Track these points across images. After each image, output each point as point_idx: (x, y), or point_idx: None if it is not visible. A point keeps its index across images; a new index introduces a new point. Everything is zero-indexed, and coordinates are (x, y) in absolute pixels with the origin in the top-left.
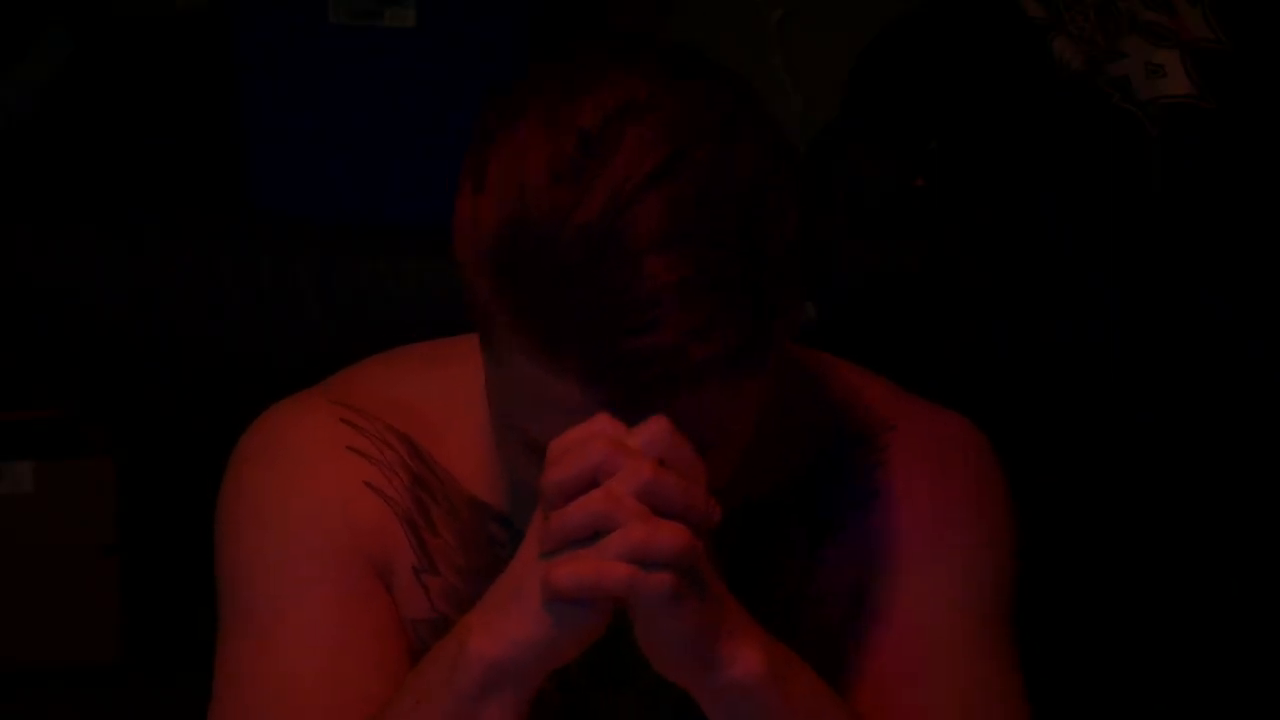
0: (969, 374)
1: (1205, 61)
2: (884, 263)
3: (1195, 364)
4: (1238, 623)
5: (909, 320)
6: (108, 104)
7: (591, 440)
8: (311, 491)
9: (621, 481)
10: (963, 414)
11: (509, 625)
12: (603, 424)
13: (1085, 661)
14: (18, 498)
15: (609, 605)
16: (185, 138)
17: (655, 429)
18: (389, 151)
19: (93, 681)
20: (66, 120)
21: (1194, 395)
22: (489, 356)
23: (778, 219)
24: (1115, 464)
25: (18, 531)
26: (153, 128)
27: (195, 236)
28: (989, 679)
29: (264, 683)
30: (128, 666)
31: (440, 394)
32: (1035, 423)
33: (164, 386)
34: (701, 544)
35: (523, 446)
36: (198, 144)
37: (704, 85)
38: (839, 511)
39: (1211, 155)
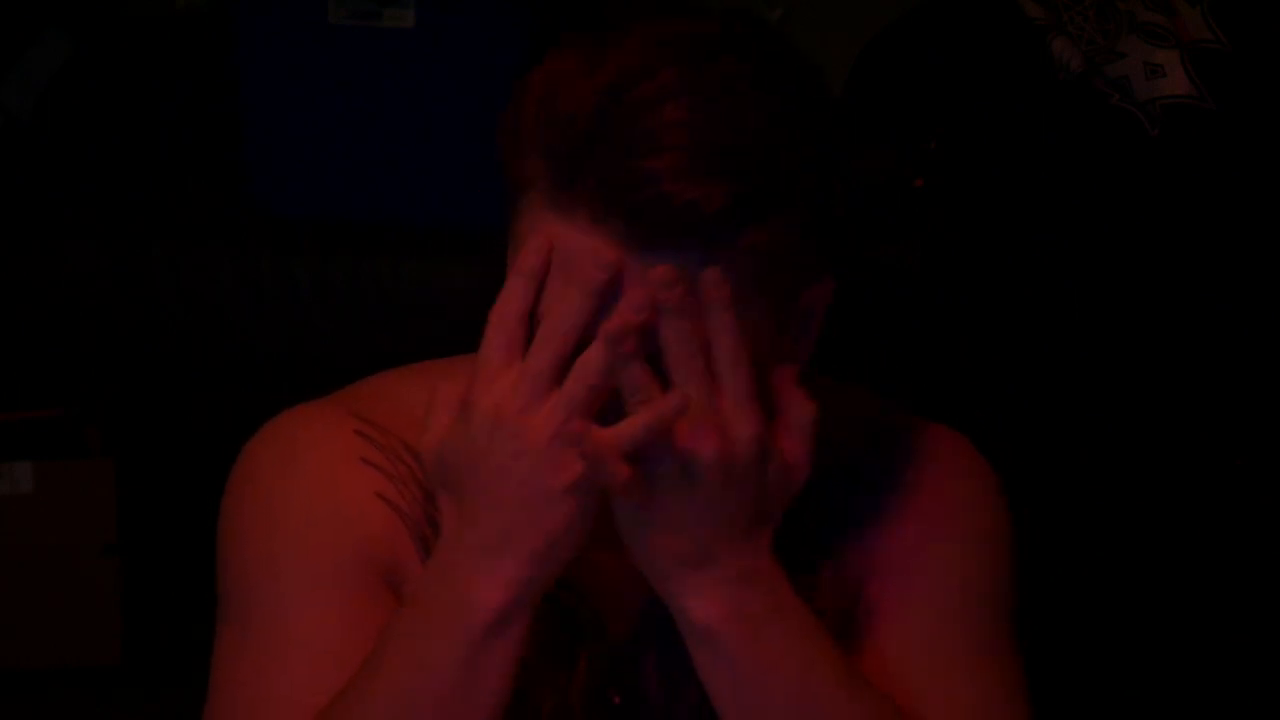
0: (968, 373)
1: (1205, 62)
2: (883, 262)
3: (1196, 363)
4: (1236, 623)
5: (908, 319)
6: (108, 104)
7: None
8: (323, 499)
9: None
10: (964, 411)
11: (507, 567)
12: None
13: (1084, 662)
14: (18, 498)
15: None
16: (185, 138)
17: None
18: (389, 151)
19: (93, 681)
20: (66, 120)
21: (1194, 394)
22: (514, 249)
23: (801, 129)
24: (1114, 462)
25: (18, 531)
26: (153, 128)
27: (195, 236)
28: (991, 686)
29: (266, 689)
30: (128, 666)
31: None
32: (1035, 421)
33: (164, 387)
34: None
35: None
36: (198, 144)
37: (746, 29)
38: (831, 530)
39: (1211, 155)
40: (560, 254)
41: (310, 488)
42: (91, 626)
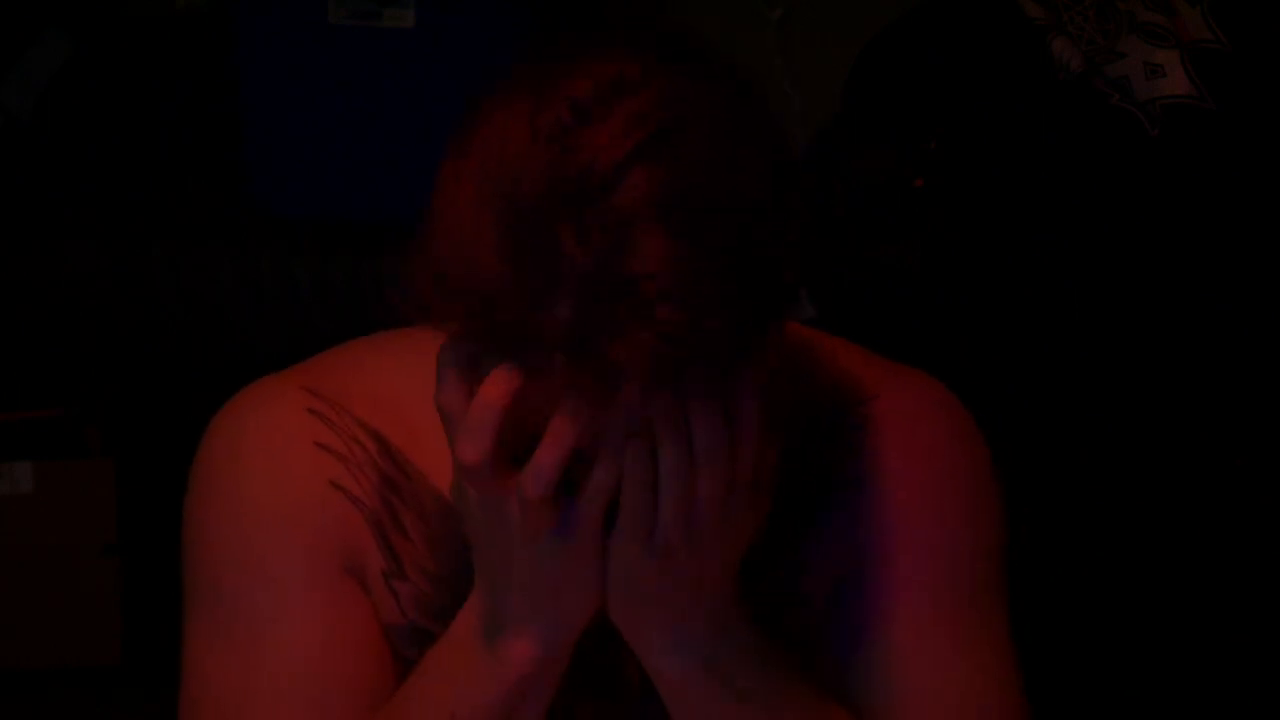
0: (968, 373)
1: (1205, 62)
2: (883, 262)
3: (1196, 363)
4: (1236, 623)
5: (908, 319)
6: (108, 104)
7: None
8: (275, 490)
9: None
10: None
11: (534, 629)
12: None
13: (1083, 661)
14: (18, 498)
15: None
16: (185, 138)
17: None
18: (389, 151)
19: (93, 681)
20: (66, 120)
21: (1194, 394)
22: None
23: (769, 212)
24: (1114, 461)
25: (18, 531)
26: (153, 128)
27: (195, 236)
28: (982, 663)
29: (230, 681)
30: (128, 666)
31: (416, 385)
32: (1035, 421)
33: (164, 386)
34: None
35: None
36: (198, 144)
37: (700, 69)
38: (819, 502)
39: (1211, 155)
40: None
41: (262, 479)
42: (91, 626)
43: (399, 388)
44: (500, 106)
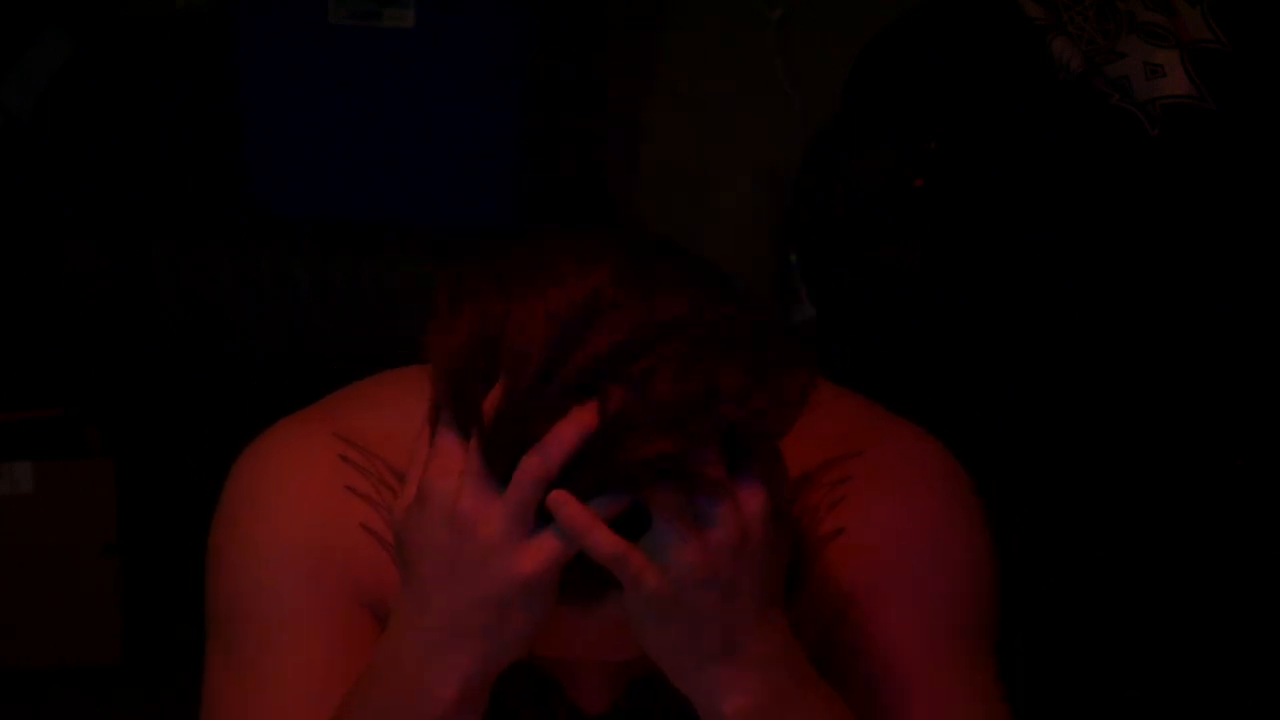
0: (968, 373)
1: (1205, 62)
2: (883, 262)
3: (1196, 363)
4: (1236, 623)
5: (908, 319)
6: (108, 104)
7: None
8: (306, 534)
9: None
10: (964, 411)
11: (462, 661)
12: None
13: (1083, 662)
14: (18, 498)
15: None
16: (185, 138)
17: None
18: (389, 151)
19: (93, 681)
20: (66, 120)
21: (1194, 394)
22: None
23: (736, 400)
24: (1113, 461)
25: (18, 531)
26: (153, 128)
27: (195, 236)
28: (972, 711)
29: None
30: (128, 666)
31: None
32: (1035, 421)
33: (164, 387)
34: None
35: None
36: (198, 144)
37: (667, 280)
38: (804, 555)
39: (1211, 155)
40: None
41: (293, 523)
42: (91, 626)
43: (422, 426)
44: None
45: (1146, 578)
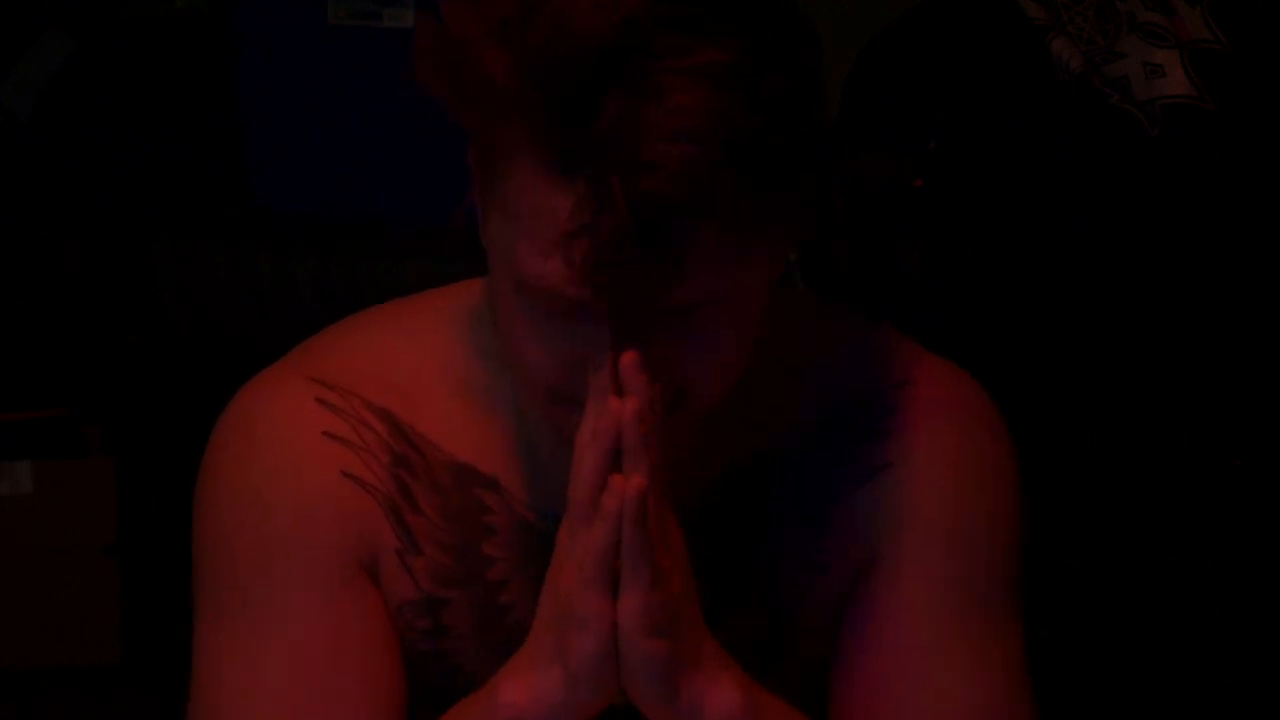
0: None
1: (1205, 62)
2: (883, 262)
3: (1196, 363)
4: (1236, 623)
5: (908, 319)
6: (108, 104)
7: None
8: (290, 488)
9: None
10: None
11: (540, 681)
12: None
13: (1084, 661)
14: (18, 498)
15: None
16: (185, 138)
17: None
18: (389, 151)
19: (93, 681)
20: (66, 120)
21: (1194, 394)
22: (485, 181)
23: (795, 107)
24: (1113, 460)
25: (18, 531)
26: (153, 128)
27: (195, 236)
28: (993, 662)
29: (243, 684)
30: (128, 666)
31: (416, 355)
32: (1034, 421)
33: (164, 387)
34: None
35: (545, 394)
36: (198, 144)
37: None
38: (845, 480)
39: (1211, 156)
40: (548, 211)
41: (273, 474)
42: (91, 626)
43: (401, 362)
44: None
45: (1145, 578)
